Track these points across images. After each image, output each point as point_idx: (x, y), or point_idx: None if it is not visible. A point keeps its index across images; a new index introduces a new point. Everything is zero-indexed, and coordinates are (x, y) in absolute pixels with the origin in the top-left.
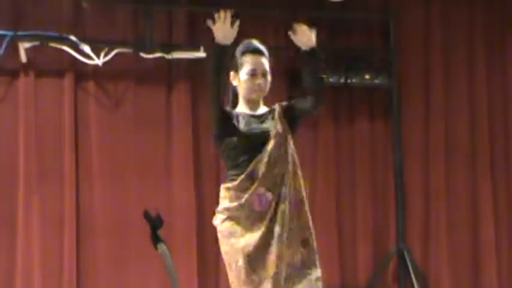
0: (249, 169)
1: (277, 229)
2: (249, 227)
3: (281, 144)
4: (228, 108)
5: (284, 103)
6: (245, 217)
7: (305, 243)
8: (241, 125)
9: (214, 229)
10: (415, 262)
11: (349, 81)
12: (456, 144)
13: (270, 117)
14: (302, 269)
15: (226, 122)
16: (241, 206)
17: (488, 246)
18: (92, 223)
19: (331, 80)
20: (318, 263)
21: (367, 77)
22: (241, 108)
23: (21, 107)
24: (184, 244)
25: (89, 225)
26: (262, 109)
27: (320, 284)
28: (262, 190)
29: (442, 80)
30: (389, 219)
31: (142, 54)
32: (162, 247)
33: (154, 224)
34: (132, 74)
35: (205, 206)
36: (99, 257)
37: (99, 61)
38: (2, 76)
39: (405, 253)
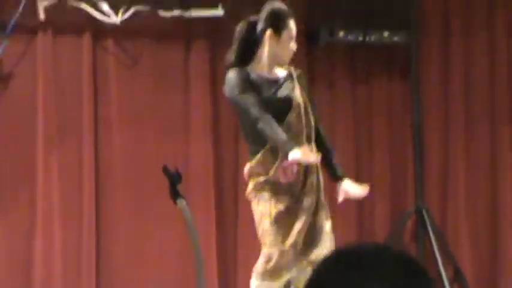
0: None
1: (306, 200)
2: (277, 198)
3: (302, 114)
4: (244, 74)
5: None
6: (273, 189)
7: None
8: (263, 92)
9: (231, 183)
10: (434, 221)
11: (367, 38)
12: (476, 103)
13: (288, 81)
14: (321, 231)
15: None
16: (266, 182)
17: (508, 207)
18: (111, 178)
19: (348, 37)
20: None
21: (385, 34)
22: (260, 70)
23: (39, 65)
24: (202, 199)
25: (108, 181)
26: (281, 72)
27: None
28: (286, 163)
29: (463, 39)
30: (408, 179)
31: (161, 12)
32: (181, 202)
33: (174, 179)
34: (151, 32)
35: (223, 161)
36: (119, 211)
37: (117, 19)
38: (21, 34)
39: (424, 212)
